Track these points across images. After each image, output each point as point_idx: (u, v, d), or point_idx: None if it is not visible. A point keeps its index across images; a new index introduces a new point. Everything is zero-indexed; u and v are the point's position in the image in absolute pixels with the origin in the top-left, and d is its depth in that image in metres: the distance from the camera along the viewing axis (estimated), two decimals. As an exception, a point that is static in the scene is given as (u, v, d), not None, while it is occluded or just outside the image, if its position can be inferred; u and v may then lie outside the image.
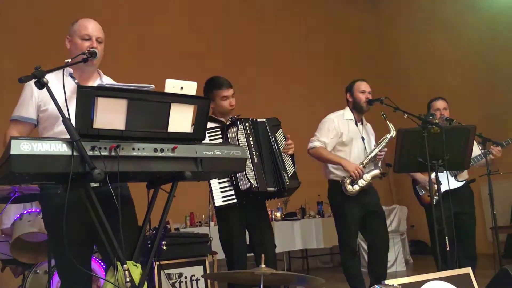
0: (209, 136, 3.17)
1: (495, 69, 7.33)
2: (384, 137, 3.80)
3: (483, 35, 7.45)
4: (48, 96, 1.90)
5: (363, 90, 3.83)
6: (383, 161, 3.85)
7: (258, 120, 3.36)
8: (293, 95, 8.11)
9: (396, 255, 6.68)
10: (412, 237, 8.05)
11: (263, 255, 1.84)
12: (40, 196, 2.42)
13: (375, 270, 3.81)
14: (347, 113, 3.88)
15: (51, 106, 2.18)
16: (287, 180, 3.21)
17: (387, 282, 1.90)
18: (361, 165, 3.66)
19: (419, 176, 4.16)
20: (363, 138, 3.81)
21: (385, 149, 3.77)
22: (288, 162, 3.31)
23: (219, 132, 3.19)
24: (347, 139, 3.78)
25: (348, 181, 3.65)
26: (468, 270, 2.36)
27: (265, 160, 3.23)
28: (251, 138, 3.19)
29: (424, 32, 8.46)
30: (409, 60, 8.85)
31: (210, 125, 3.21)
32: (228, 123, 3.25)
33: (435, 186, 3.42)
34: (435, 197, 3.95)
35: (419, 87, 8.15)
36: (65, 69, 2.34)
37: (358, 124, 3.86)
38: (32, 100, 2.32)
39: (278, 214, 6.49)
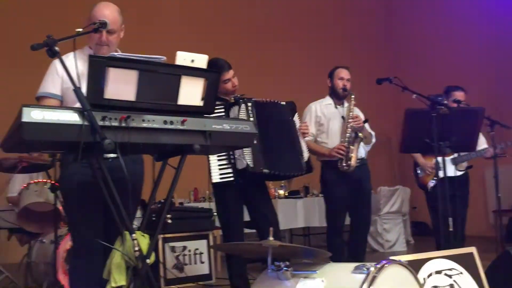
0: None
1: (503, 57, 7.27)
2: (347, 106, 3.86)
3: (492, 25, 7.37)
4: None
5: (341, 77, 3.92)
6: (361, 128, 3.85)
7: (266, 101, 3.35)
8: (300, 75, 8.07)
9: (397, 235, 6.73)
10: (414, 219, 8.09)
11: (271, 228, 1.86)
12: (60, 164, 2.47)
13: (355, 248, 3.90)
14: (326, 99, 4.01)
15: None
16: (304, 165, 3.27)
17: (392, 258, 1.92)
18: (345, 143, 3.72)
19: (420, 160, 4.20)
20: (343, 118, 3.86)
21: (357, 116, 3.81)
22: (304, 146, 3.34)
23: (223, 110, 3.20)
24: (324, 120, 3.88)
25: (340, 162, 3.72)
26: (472, 249, 2.38)
27: (278, 143, 3.24)
28: (251, 119, 3.19)
29: (432, 20, 8.36)
30: (419, 43, 8.77)
31: None
32: (231, 102, 3.26)
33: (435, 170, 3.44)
34: (432, 181, 4.00)
35: (427, 70, 8.09)
36: (86, 49, 2.34)
37: (338, 107, 3.94)
38: (58, 76, 2.32)
39: (282, 192, 6.51)
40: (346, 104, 3.94)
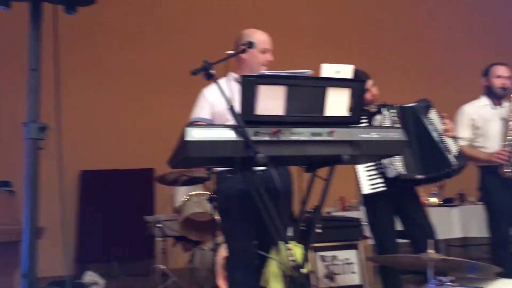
0: None
1: None
2: (508, 106, 3.52)
3: None
4: (217, 98, 2.06)
5: (499, 75, 3.59)
6: None
7: (406, 105, 3.25)
8: (446, 76, 7.59)
9: None
10: None
11: (431, 240, 1.77)
12: (216, 178, 2.66)
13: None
14: (481, 100, 3.71)
15: (220, 107, 2.37)
16: (453, 159, 3.08)
17: None
18: (508, 147, 3.43)
19: None
20: (504, 119, 3.53)
21: None
22: (449, 142, 3.15)
23: (366, 120, 3.15)
24: (481, 123, 3.60)
25: (502, 168, 3.45)
26: None
27: (421, 145, 3.11)
28: (397, 125, 3.09)
29: None
30: None
31: None
32: (372, 111, 3.20)
33: None
34: None
35: None
36: (231, 75, 2.52)
37: (497, 107, 3.62)
38: (207, 102, 2.57)
39: (434, 200, 6.15)
40: (506, 104, 3.61)
